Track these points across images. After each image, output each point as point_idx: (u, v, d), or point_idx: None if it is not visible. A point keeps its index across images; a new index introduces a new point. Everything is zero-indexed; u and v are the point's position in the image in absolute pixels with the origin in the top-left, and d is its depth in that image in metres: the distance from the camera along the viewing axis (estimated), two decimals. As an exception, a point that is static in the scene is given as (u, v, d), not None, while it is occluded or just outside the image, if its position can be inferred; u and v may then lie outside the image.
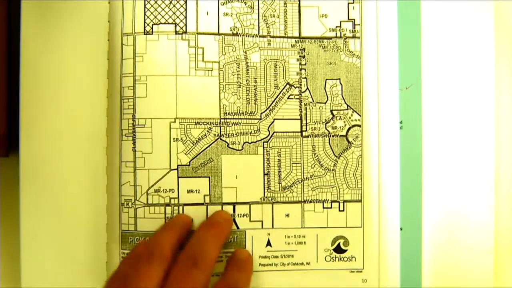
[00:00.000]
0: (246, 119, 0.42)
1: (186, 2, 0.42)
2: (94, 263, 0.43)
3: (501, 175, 0.44)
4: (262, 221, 0.43)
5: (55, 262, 0.43)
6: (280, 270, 0.43)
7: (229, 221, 0.42)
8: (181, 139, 0.42)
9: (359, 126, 0.43)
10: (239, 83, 0.42)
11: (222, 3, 0.42)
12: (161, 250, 0.38)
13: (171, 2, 0.42)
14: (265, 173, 0.43)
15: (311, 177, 0.43)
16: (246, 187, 0.42)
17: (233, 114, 0.42)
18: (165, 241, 0.39)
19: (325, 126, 0.43)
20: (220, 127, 0.42)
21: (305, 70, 0.43)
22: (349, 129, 0.43)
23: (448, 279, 0.44)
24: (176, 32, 0.42)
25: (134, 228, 0.42)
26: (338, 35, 0.43)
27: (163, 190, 0.41)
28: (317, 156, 0.43)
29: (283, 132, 0.43)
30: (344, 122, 0.43)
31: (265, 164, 0.43)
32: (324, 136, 0.43)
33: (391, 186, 0.43)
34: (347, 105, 0.43)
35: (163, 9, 0.42)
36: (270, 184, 0.43)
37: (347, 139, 0.43)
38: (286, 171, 0.43)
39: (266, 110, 0.43)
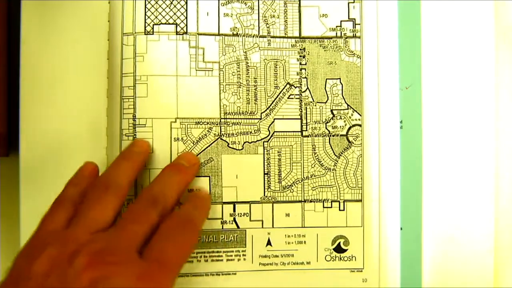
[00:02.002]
0: (246, 119, 0.43)
1: (186, 3, 0.42)
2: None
3: (501, 175, 0.44)
4: (262, 221, 0.43)
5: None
6: (280, 269, 0.43)
7: (195, 166, 0.41)
8: (181, 138, 0.42)
9: (360, 125, 0.43)
10: (239, 83, 0.42)
11: (222, 4, 0.43)
12: (117, 182, 0.38)
13: (171, 3, 0.42)
14: (265, 172, 0.43)
15: (311, 177, 0.43)
16: (246, 186, 0.42)
17: (234, 114, 0.42)
18: (122, 172, 0.39)
19: (326, 125, 0.43)
20: (221, 127, 0.42)
21: (305, 70, 0.43)
22: (349, 128, 0.43)
23: (448, 279, 0.44)
24: (177, 33, 0.42)
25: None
26: (339, 34, 0.43)
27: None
28: (317, 155, 0.43)
29: (283, 131, 0.43)
30: (345, 121, 0.43)
31: (265, 163, 0.43)
32: (325, 135, 0.43)
33: (391, 186, 0.43)
34: (348, 105, 0.43)
35: (163, 10, 0.42)
36: (270, 183, 0.43)
37: (347, 139, 0.43)
38: (286, 171, 0.43)
39: (266, 110, 0.43)
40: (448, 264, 0.44)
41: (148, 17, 0.42)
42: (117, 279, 0.32)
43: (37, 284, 0.32)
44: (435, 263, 0.44)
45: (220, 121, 0.42)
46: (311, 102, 0.43)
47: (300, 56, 0.43)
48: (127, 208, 0.37)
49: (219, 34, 0.43)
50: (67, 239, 0.34)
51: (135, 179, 0.40)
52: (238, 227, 0.42)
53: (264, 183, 0.43)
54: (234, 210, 0.42)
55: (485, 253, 0.44)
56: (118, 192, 0.37)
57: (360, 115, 0.43)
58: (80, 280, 0.31)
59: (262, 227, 0.43)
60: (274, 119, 0.43)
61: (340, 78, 0.43)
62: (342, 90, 0.43)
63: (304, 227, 0.43)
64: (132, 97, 0.42)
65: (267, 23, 0.43)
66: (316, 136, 0.43)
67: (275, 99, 0.43)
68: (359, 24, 0.43)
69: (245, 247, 0.42)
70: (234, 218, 0.42)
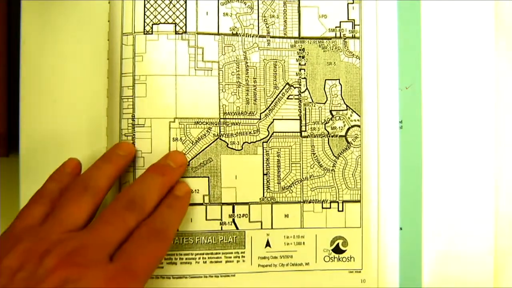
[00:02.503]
0: (245, 119, 0.42)
1: (186, 2, 0.42)
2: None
3: (501, 175, 0.44)
4: (261, 222, 0.43)
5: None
6: (279, 271, 0.43)
7: (181, 167, 0.41)
8: (180, 139, 0.42)
9: (359, 126, 0.43)
10: (238, 83, 0.42)
11: (222, 3, 0.42)
12: (97, 183, 0.38)
13: (171, 2, 0.42)
14: (265, 173, 0.43)
15: (310, 177, 0.43)
16: (246, 187, 0.42)
17: (233, 114, 0.42)
18: (102, 174, 0.38)
19: (325, 126, 0.43)
20: (220, 127, 0.42)
21: (304, 70, 0.43)
22: (348, 129, 0.43)
23: (448, 279, 0.44)
24: (176, 32, 0.42)
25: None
26: (338, 35, 0.43)
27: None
28: (316, 156, 0.43)
29: (283, 132, 0.43)
30: (344, 122, 0.43)
31: (265, 164, 0.43)
32: (324, 136, 0.43)
33: (390, 186, 0.43)
34: (347, 106, 0.43)
35: (163, 9, 0.42)
36: (269, 184, 0.43)
37: (346, 140, 0.43)
38: (286, 171, 0.43)
39: (265, 110, 0.43)
40: (448, 264, 0.44)
41: (147, 16, 0.42)
42: (85, 281, 0.32)
43: (6, 279, 0.32)
44: (435, 263, 0.44)
45: (219, 121, 0.42)
46: (310, 102, 0.43)
47: (300, 56, 0.43)
48: (104, 209, 0.37)
49: (218, 34, 0.42)
50: (40, 236, 0.34)
51: (115, 181, 0.40)
52: (237, 228, 0.42)
53: (263, 183, 0.43)
54: (233, 211, 0.42)
55: (485, 253, 0.44)
56: (95, 194, 0.37)
57: (359, 116, 0.43)
58: (48, 280, 0.31)
59: (261, 228, 0.43)
60: (274, 119, 0.43)
61: (339, 79, 0.43)
62: (341, 90, 0.43)
63: (303, 228, 0.43)
64: (131, 97, 0.41)
65: (266, 23, 0.43)
66: (315, 137, 0.43)
67: (275, 99, 0.43)
68: (359, 25, 0.43)
69: (244, 248, 0.42)
70: (233, 219, 0.42)
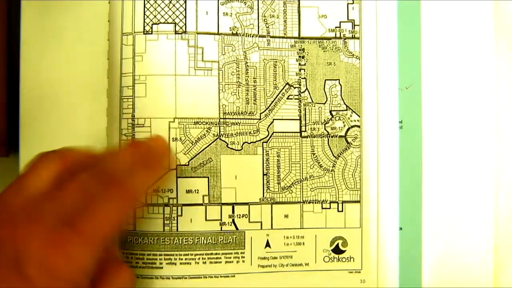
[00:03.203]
0: (245, 119, 0.42)
1: (185, 2, 0.42)
2: (93, 263, 0.43)
3: (501, 175, 0.44)
4: (261, 222, 0.43)
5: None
6: (279, 271, 0.43)
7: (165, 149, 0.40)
8: (180, 138, 0.42)
9: (358, 126, 0.43)
10: (238, 83, 0.42)
11: (221, 3, 0.42)
12: (66, 152, 0.36)
13: (170, 2, 0.42)
14: (264, 173, 0.43)
15: (310, 178, 0.43)
16: (245, 187, 0.42)
17: (233, 114, 0.42)
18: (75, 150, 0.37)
19: (324, 126, 0.43)
20: (220, 127, 0.42)
21: (304, 71, 0.43)
22: (348, 129, 0.43)
23: (448, 279, 0.44)
24: (176, 32, 0.42)
25: (133, 228, 0.42)
26: (338, 35, 0.43)
27: (162, 190, 0.41)
28: (316, 156, 0.43)
29: (282, 132, 0.43)
30: (343, 122, 0.43)
31: (264, 164, 0.43)
32: (323, 136, 0.43)
33: (390, 187, 0.43)
34: (346, 106, 0.43)
35: (162, 9, 0.42)
36: (269, 184, 0.43)
37: (346, 140, 0.43)
38: (285, 172, 0.43)
39: (265, 110, 0.43)
40: (448, 264, 0.44)
41: (147, 16, 0.42)
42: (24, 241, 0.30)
43: None
44: (435, 263, 0.44)
45: (219, 121, 0.42)
46: (310, 102, 0.43)
47: (299, 56, 0.43)
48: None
49: (218, 34, 0.42)
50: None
51: None
52: (237, 228, 0.42)
53: (263, 184, 0.43)
54: (233, 212, 0.42)
55: (485, 253, 0.44)
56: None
57: (359, 116, 0.43)
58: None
59: (261, 229, 0.43)
60: (273, 119, 0.43)
61: (339, 79, 0.43)
62: (341, 91, 0.43)
63: (303, 228, 0.43)
64: (131, 97, 0.42)
65: (266, 23, 0.43)
66: (315, 137, 0.43)
67: (274, 99, 0.43)
68: (358, 25, 0.43)
69: (244, 249, 0.42)
70: (233, 220, 0.42)
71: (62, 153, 0.36)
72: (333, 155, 0.43)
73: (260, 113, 0.43)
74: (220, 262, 0.42)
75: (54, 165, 0.35)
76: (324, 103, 0.43)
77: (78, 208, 0.32)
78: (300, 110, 0.43)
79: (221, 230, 0.42)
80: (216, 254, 0.42)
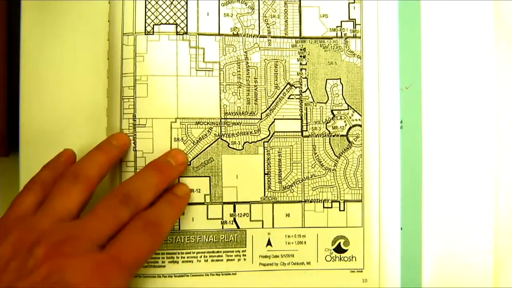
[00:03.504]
0: (246, 119, 0.43)
1: (187, 3, 0.42)
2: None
3: (501, 175, 0.44)
4: (262, 221, 0.43)
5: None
6: (280, 270, 0.43)
7: (182, 165, 0.41)
8: (181, 139, 0.42)
9: (360, 126, 0.43)
10: (239, 83, 0.42)
11: (222, 4, 0.43)
12: (88, 173, 0.38)
13: (172, 3, 0.42)
14: (266, 172, 0.43)
15: (311, 177, 0.43)
16: (247, 186, 0.42)
17: (234, 114, 0.42)
18: (94, 164, 0.39)
19: (326, 126, 0.43)
20: (221, 127, 0.42)
21: (305, 70, 0.43)
22: (349, 129, 0.43)
23: (448, 279, 0.44)
24: (177, 33, 0.42)
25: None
26: (339, 35, 0.43)
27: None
28: (317, 156, 0.43)
29: (284, 132, 0.43)
30: (345, 122, 0.43)
31: (266, 163, 0.43)
32: (325, 136, 0.43)
33: (391, 186, 0.43)
34: (348, 105, 0.43)
35: (164, 10, 0.42)
36: (270, 183, 0.43)
37: (347, 139, 0.43)
38: (287, 171, 0.43)
39: (266, 110, 0.43)
40: (448, 264, 0.44)
41: (148, 17, 0.42)
42: (70, 271, 0.32)
43: None
44: (435, 263, 0.44)
45: (221, 121, 0.42)
46: (311, 102, 0.43)
47: (301, 56, 0.43)
48: (99, 201, 0.37)
49: (219, 34, 0.43)
50: (31, 226, 0.35)
51: (107, 172, 0.40)
52: (238, 227, 0.42)
53: (264, 183, 0.43)
54: (234, 210, 0.42)
55: (485, 253, 0.44)
56: (86, 184, 0.37)
57: (360, 116, 0.43)
58: (37, 270, 0.32)
59: (262, 227, 0.43)
60: (275, 119, 0.43)
61: (340, 79, 0.43)
62: (342, 90, 0.43)
63: (304, 227, 0.43)
64: (132, 97, 0.42)
65: (267, 23, 0.43)
66: (316, 136, 0.43)
67: (276, 99, 0.43)
68: (360, 24, 0.43)
69: (245, 247, 0.42)
70: (234, 218, 0.42)
71: (84, 171, 0.38)
72: (334, 154, 0.43)
73: (261, 113, 0.43)
74: (222, 260, 0.42)
75: (81, 186, 0.37)
76: (326, 103, 0.43)
77: (119, 240, 0.35)
78: (302, 109, 0.43)
79: (223, 228, 0.42)
80: (217, 252, 0.42)
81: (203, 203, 0.42)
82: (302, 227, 0.43)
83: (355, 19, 0.43)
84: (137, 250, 0.36)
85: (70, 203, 0.36)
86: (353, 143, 0.43)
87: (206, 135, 0.42)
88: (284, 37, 0.43)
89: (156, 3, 0.42)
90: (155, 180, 0.39)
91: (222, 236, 0.42)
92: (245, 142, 0.42)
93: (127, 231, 0.36)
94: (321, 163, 0.43)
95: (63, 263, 0.32)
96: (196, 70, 0.42)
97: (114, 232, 0.36)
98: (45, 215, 0.36)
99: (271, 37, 0.43)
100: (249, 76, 0.43)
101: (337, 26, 0.43)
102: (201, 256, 0.42)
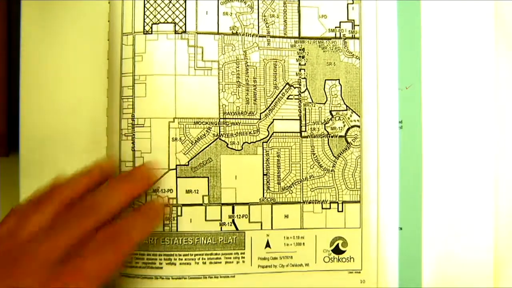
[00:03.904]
0: (245, 119, 0.42)
1: (185, 2, 0.42)
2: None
3: (501, 175, 0.44)
4: (261, 222, 0.43)
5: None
6: (279, 272, 0.43)
7: (150, 179, 0.41)
8: (180, 138, 0.42)
9: (358, 126, 0.43)
10: (238, 82, 0.42)
11: (221, 3, 0.42)
12: (61, 192, 0.38)
13: (170, 2, 0.42)
14: (264, 173, 0.43)
15: (310, 178, 0.43)
16: (245, 187, 0.42)
17: (233, 114, 0.42)
18: (70, 186, 0.39)
19: (324, 126, 0.43)
20: (219, 127, 0.42)
21: (304, 71, 0.43)
22: (348, 129, 0.43)
23: (448, 279, 0.44)
24: (176, 32, 0.42)
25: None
26: (338, 35, 0.43)
27: (162, 190, 0.41)
28: (316, 156, 0.43)
29: (283, 132, 0.43)
30: (343, 122, 0.43)
31: (265, 164, 0.43)
32: (323, 136, 0.43)
33: (390, 187, 0.43)
34: (346, 106, 0.43)
35: (162, 9, 0.42)
36: (269, 184, 0.43)
37: (346, 140, 0.43)
38: (285, 172, 0.43)
39: (265, 110, 0.43)
40: (448, 264, 0.44)
41: (147, 16, 0.42)
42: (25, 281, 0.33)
43: None
44: (435, 264, 0.44)
45: (219, 121, 0.42)
46: (310, 102, 0.43)
47: (300, 56, 0.43)
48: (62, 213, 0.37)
49: (218, 33, 0.42)
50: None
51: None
52: (237, 229, 0.42)
53: (263, 184, 0.42)
54: (233, 212, 0.42)
55: (485, 253, 0.44)
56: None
57: (359, 116, 0.43)
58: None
59: (261, 229, 0.43)
60: (273, 119, 0.43)
61: (339, 79, 0.43)
62: (341, 91, 0.43)
63: (303, 228, 0.43)
64: (131, 97, 0.41)
65: (266, 23, 0.43)
66: (315, 137, 0.43)
67: (274, 99, 0.43)
68: (358, 25, 0.43)
69: (244, 249, 0.42)
70: (233, 220, 0.42)
71: (59, 192, 0.38)
72: (333, 155, 0.43)
73: (260, 113, 0.43)
74: (220, 262, 0.42)
75: (51, 206, 0.37)
76: (324, 103, 0.43)
77: (80, 251, 0.35)
78: (300, 110, 0.43)
79: (221, 230, 0.42)
80: (216, 254, 0.42)
81: (201, 204, 0.42)
82: (300, 229, 0.43)
83: (353, 20, 0.43)
84: (99, 262, 0.36)
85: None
86: (352, 144, 0.43)
87: (204, 135, 0.42)
88: (283, 37, 0.43)
89: (155, 2, 0.42)
90: (118, 189, 0.39)
91: (220, 238, 0.42)
92: (244, 142, 0.42)
93: (92, 242, 0.36)
94: (319, 164, 0.43)
95: (15, 281, 0.33)
96: (195, 69, 0.42)
97: (73, 243, 0.36)
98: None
99: (270, 37, 0.43)
100: (248, 76, 0.43)
101: (336, 27, 0.43)
102: (199, 258, 0.42)
